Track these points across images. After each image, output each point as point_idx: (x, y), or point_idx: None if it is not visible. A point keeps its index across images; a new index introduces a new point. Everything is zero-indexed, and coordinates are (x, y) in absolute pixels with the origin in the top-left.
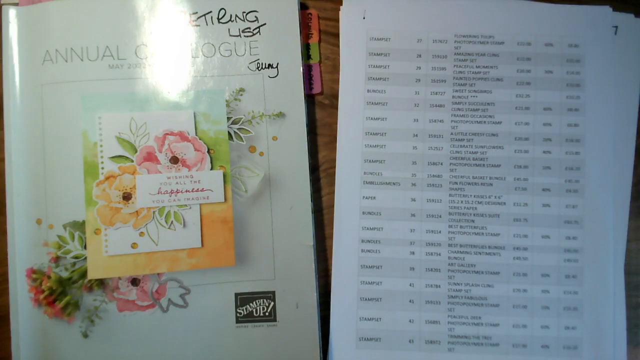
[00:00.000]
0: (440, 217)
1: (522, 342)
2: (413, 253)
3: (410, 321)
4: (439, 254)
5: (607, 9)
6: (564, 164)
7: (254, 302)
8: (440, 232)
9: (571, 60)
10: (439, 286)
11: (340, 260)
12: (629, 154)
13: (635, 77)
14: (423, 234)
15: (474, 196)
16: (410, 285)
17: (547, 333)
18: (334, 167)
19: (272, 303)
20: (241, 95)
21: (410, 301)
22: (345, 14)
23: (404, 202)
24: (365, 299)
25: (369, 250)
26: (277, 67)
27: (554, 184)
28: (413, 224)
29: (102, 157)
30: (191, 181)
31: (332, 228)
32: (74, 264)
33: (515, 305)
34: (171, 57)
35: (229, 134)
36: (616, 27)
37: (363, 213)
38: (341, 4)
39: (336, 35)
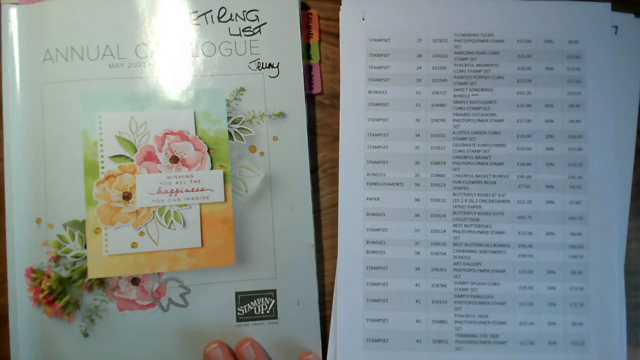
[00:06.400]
0: (445, 216)
1: (530, 339)
2: (418, 253)
3: (417, 321)
4: (445, 254)
5: (606, 5)
6: (567, 160)
7: (255, 301)
8: (445, 231)
9: (571, 56)
10: (445, 285)
11: (345, 262)
12: (629, 154)
13: (636, 78)
14: (428, 234)
15: (478, 195)
16: (416, 285)
17: (554, 330)
18: (334, 167)
19: (273, 301)
20: (241, 94)
21: (416, 301)
22: (345, 15)
23: (407, 203)
24: (372, 300)
25: (374, 252)
26: (277, 66)
27: (558, 181)
28: (417, 224)
29: (102, 156)
30: (191, 181)
31: (332, 228)
32: (74, 263)
33: (522, 303)
34: (171, 56)
35: (229, 133)
36: (616, 27)
37: (367, 214)
38: (341, 4)
39: (336, 35)
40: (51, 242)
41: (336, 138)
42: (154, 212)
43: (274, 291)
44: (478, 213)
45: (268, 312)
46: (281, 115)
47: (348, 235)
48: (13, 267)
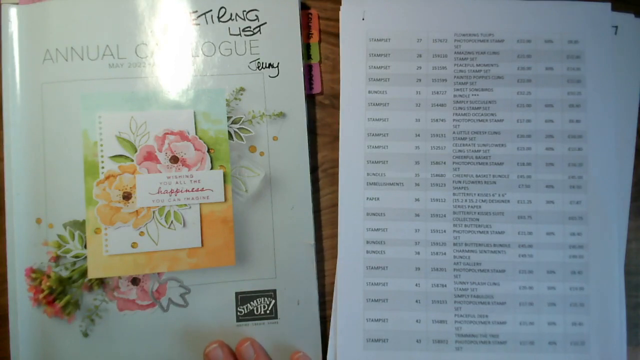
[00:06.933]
0: (445, 216)
1: (530, 339)
2: (418, 253)
3: (417, 321)
4: (445, 254)
5: (606, 5)
6: (567, 160)
7: (255, 301)
8: (445, 231)
9: (571, 56)
10: (445, 285)
11: (345, 262)
12: (629, 154)
13: (636, 78)
14: (428, 234)
15: (478, 195)
16: (416, 285)
17: (554, 330)
18: (334, 167)
19: (273, 301)
20: (241, 94)
21: (416, 301)
22: (345, 15)
23: (407, 203)
24: (372, 300)
25: (374, 252)
26: (277, 66)
27: (558, 181)
28: (417, 224)
29: (102, 156)
30: (191, 181)
31: (332, 228)
32: (74, 263)
33: (522, 303)
34: (171, 56)
35: (229, 133)
36: (616, 27)
37: (367, 214)
38: (341, 4)
39: (336, 35)
40: (51, 242)
41: (336, 138)
42: (154, 212)
43: (274, 291)
44: (478, 213)
45: (268, 312)
46: (281, 115)
47: (348, 235)
48: (13, 267)
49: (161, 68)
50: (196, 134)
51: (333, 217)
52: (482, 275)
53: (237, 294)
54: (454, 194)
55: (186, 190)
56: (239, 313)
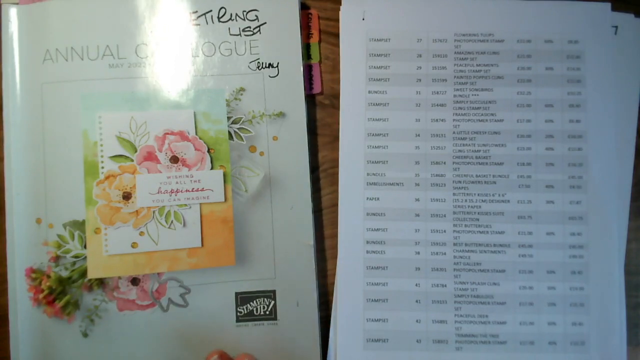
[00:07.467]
0: (445, 216)
1: (530, 339)
2: (418, 253)
3: (417, 321)
4: (445, 254)
5: (606, 5)
6: (567, 160)
7: (255, 301)
8: (445, 231)
9: (571, 56)
10: (445, 285)
11: (345, 262)
12: (629, 154)
13: (636, 78)
14: (428, 234)
15: (478, 195)
16: (416, 285)
17: (554, 330)
18: (335, 167)
19: (273, 302)
20: (241, 94)
21: (416, 301)
22: (345, 15)
23: (408, 203)
24: (372, 300)
25: (374, 252)
26: (277, 66)
27: (558, 181)
28: (417, 224)
29: (102, 156)
30: (191, 181)
31: (333, 228)
32: (73, 264)
33: (522, 303)
34: (171, 57)
35: (229, 133)
36: (616, 27)
37: (367, 214)
38: (341, 4)
39: (336, 35)
40: (51, 242)
41: (336, 138)
42: (154, 212)
43: (274, 292)
44: (478, 213)
45: (267, 313)
46: (281, 115)
47: (348, 235)
48: (13, 267)
49: (161, 68)
50: (196, 134)
51: (334, 217)
52: (482, 275)
53: (237, 294)
54: (454, 194)
55: (186, 190)
56: (238, 313)
